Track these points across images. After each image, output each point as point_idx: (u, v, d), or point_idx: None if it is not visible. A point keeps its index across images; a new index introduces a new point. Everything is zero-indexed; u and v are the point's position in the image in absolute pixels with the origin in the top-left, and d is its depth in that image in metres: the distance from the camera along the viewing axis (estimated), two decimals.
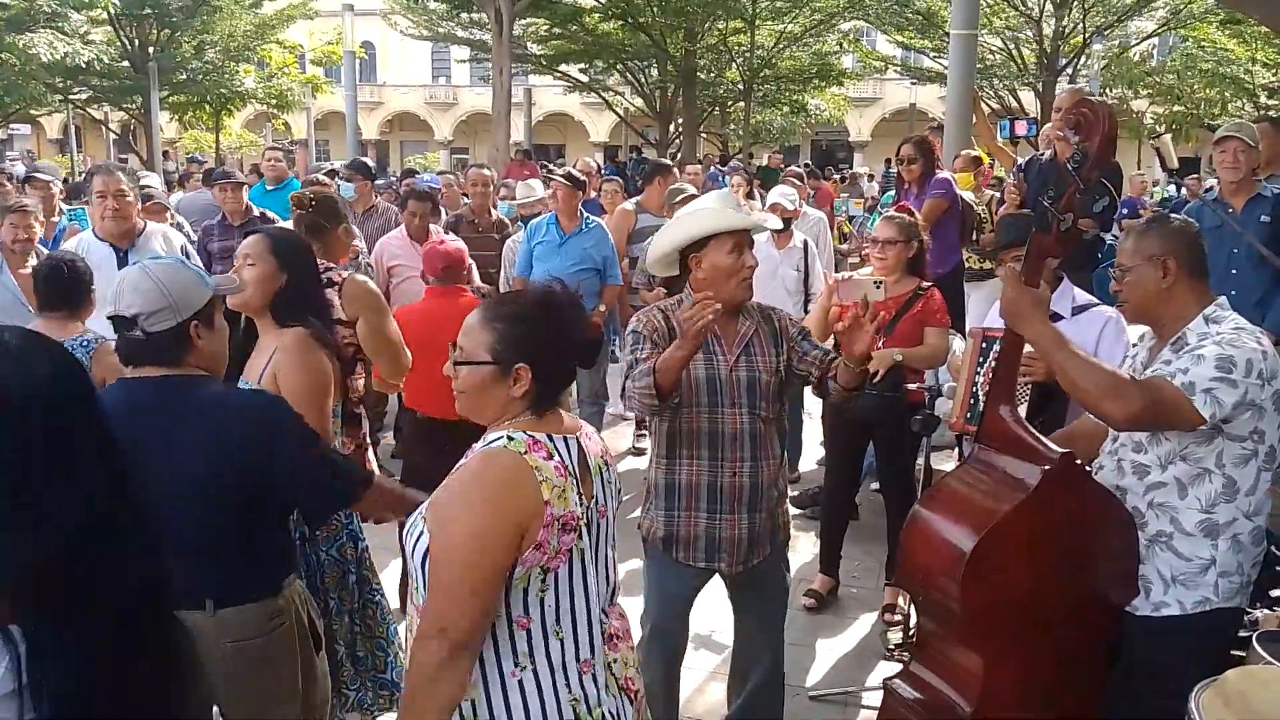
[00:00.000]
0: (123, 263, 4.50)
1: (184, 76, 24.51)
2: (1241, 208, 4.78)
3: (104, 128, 30.31)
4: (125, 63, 23.95)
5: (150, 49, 23.93)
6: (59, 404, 1.33)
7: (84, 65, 22.12)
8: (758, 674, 3.34)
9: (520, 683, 1.92)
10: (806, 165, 17.51)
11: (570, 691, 1.96)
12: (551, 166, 8.09)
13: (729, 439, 3.01)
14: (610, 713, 2.02)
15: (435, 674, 1.85)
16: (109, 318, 2.33)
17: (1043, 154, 5.64)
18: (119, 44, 24.03)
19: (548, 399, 2.03)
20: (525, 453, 1.92)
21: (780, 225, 5.75)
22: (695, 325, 2.67)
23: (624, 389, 2.97)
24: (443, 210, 7.72)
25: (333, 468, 2.41)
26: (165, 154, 23.55)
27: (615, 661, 2.09)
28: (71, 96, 25.16)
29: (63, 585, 1.28)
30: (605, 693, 2.03)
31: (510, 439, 1.94)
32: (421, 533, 1.93)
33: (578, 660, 1.99)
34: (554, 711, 1.93)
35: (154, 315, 2.26)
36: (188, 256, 4.88)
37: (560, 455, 1.97)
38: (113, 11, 23.12)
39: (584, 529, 1.99)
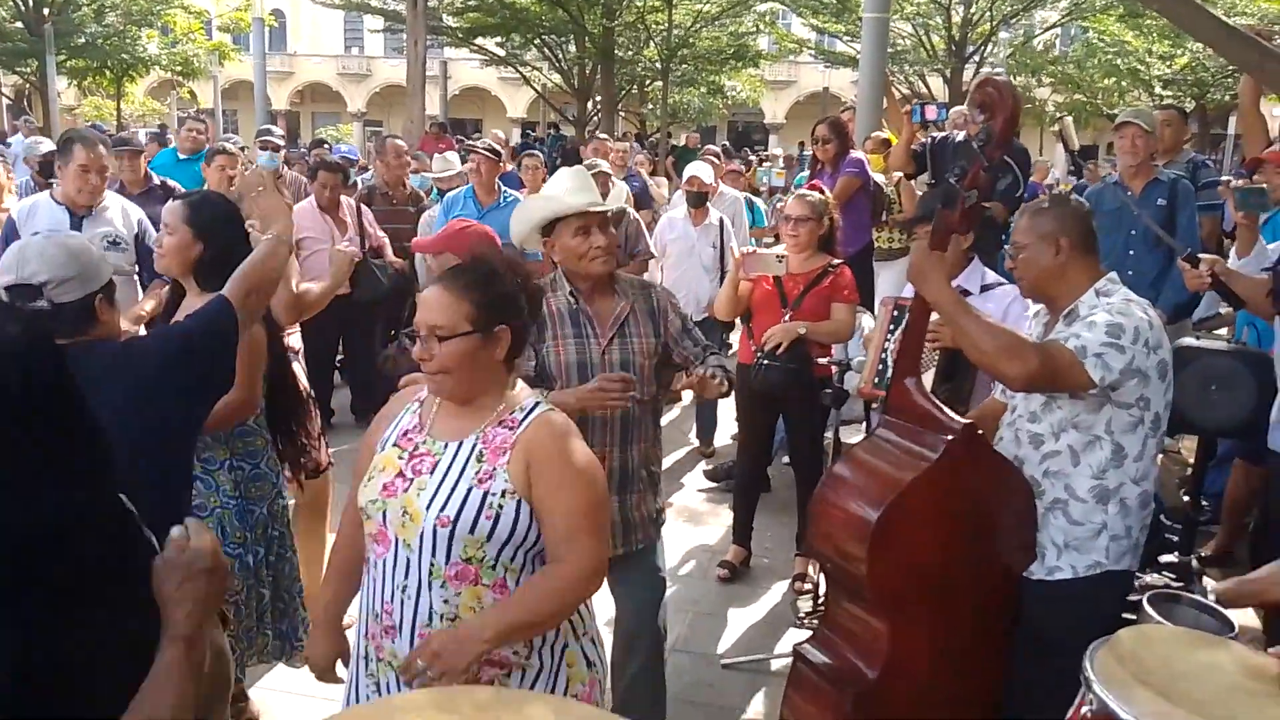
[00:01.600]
0: (76, 228, 4.40)
1: (83, 40, 23.46)
2: (1140, 191, 4.96)
3: None
4: (19, 24, 22.86)
5: (46, 10, 22.87)
6: (39, 371, 1.32)
7: None
8: (635, 663, 3.20)
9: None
10: (724, 145, 17.57)
11: None
12: (471, 141, 8.03)
13: (599, 423, 2.91)
14: None
15: (582, 600, 2.16)
16: (6, 287, 2.24)
17: (955, 134, 5.77)
18: (11, 4, 22.92)
19: (517, 358, 2.21)
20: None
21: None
22: (590, 405, 2.72)
23: None
24: (357, 181, 7.61)
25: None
26: (95, 124, 22.52)
27: None
28: None
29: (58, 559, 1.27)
30: None
31: (544, 405, 2.18)
32: (518, 505, 2.05)
33: None
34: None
35: (63, 284, 2.23)
36: (145, 233, 4.72)
37: None
38: None
39: None
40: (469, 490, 2.05)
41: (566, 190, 3.01)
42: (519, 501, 2.05)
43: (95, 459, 1.37)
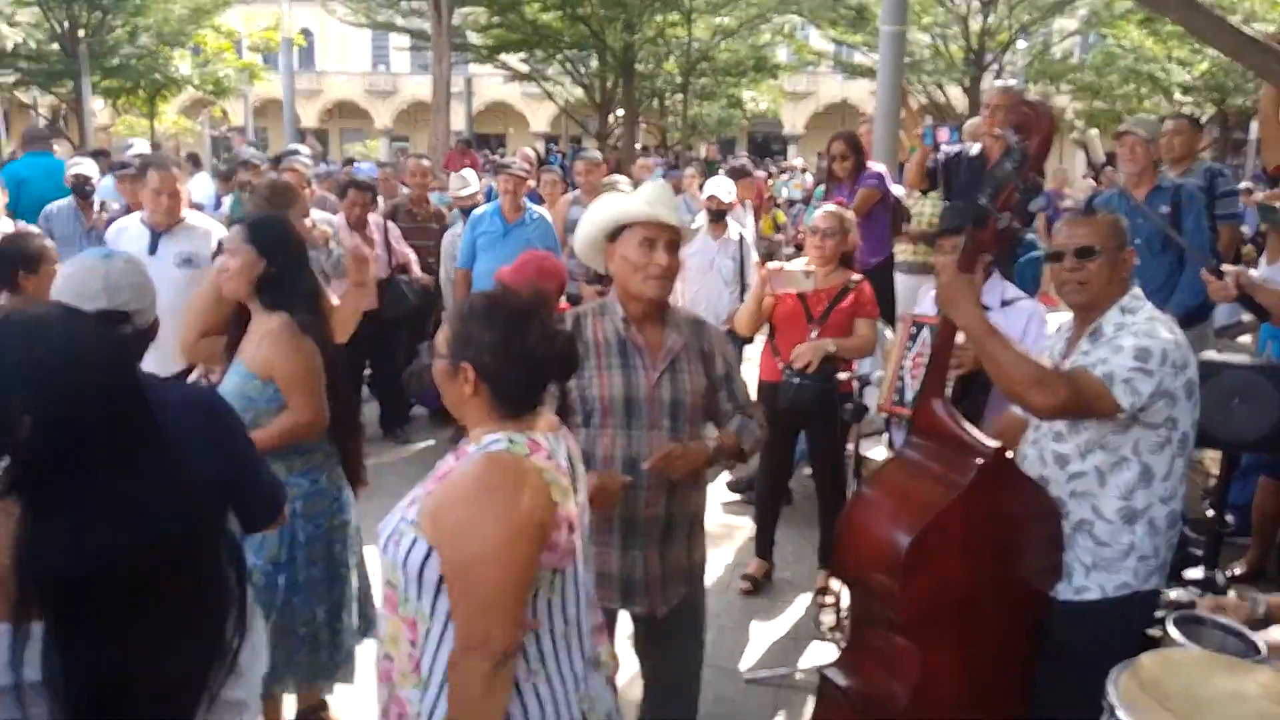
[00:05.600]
0: (154, 243, 4.66)
1: (116, 61, 23.74)
2: (1144, 199, 4.95)
3: (33, 112, 29.37)
4: (55, 46, 23.21)
5: (81, 32, 23.21)
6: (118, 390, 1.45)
7: (10, 48, 21.39)
8: None
9: (535, 688, 1.90)
10: (747, 157, 17.54)
11: (579, 690, 1.97)
12: (511, 158, 8.16)
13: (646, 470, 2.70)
14: (608, 707, 2.05)
15: (486, 687, 1.80)
16: (97, 313, 2.21)
17: (969, 147, 5.76)
18: (48, 26, 23.27)
19: (511, 405, 1.96)
20: (529, 455, 1.89)
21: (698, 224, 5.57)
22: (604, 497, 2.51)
23: None
24: (380, 199, 7.69)
25: (273, 478, 2.37)
26: (153, 145, 22.81)
27: (603, 654, 2.12)
28: None
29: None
30: (604, 688, 2.06)
31: (511, 441, 1.90)
32: (415, 540, 1.86)
33: (583, 658, 1.99)
34: (567, 713, 1.93)
35: (143, 311, 2.30)
36: (220, 247, 4.89)
37: (558, 456, 1.97)
38: None
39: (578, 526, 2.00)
40: (401, 513, 1.94)
41: (645, 199, 2.77)
42: (416, 538, 1.86)
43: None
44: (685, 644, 2.97)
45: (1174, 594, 3.39)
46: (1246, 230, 6.97)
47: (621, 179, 6.84)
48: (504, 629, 1.80)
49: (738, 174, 8.93)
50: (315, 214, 6.01)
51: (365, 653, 3.18)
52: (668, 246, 2.72)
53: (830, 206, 4.72)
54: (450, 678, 1.84)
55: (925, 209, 6.50)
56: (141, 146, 8.90)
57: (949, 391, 3.36)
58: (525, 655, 1.90)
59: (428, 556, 1.84)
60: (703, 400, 2.82)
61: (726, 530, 5.53)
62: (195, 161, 11.42)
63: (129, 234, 4.76)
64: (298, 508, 3.08)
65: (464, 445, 1.98)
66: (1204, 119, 21.41)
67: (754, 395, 4.93)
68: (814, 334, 4.41)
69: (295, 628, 3.13)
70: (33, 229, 4.47)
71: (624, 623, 2.95)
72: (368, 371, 7.12)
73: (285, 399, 3.01)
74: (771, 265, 4.51)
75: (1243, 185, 8.25)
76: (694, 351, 2.83)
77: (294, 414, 3.00)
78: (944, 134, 5.65)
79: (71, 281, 2.28)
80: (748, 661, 4.16)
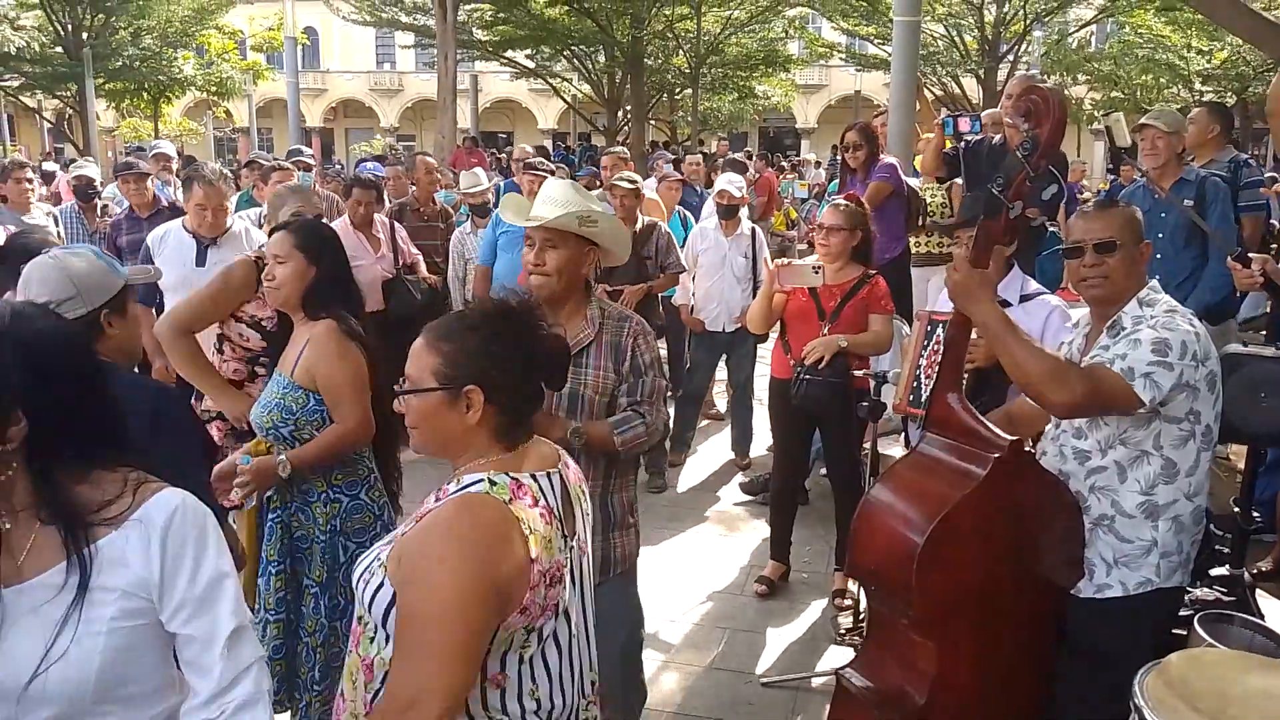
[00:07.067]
0: (202, 255, 4.62)
1: (120, 63, 23.86)
2: (1168, 191, 4.88)
3: (38, 116, 29.53)
4: (58, 49, 23.29)
5: (84, 34, 23.28)
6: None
7: (14, 52, 21.48)
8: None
9: None
10: (755, 151, 17.47)
11: None
12: (538, 158, 8.15)
13: None
14: None
15: None
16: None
17: (992, 137, 5.68)
18: (51, 30, 23.35)
19: (517, 427, 1.83)
20: (510, 501, 1.72)
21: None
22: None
23: None
24: (386, 199, 7.64)
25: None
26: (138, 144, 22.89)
27: (586, 713, 1.95)
28: (2, 84, 24.43)
29: None
30: None
31: (492, 483, 1.73)
32: (382, 583, 1.72)
33: (550, 717, 1.82)
34: None
35: (63, 304, 2.30)
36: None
37: (546, 497, 1.79)
38: None
39: (568, 575, 1.81)
40: (378, 550, 1.80)
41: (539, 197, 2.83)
42: (384, 580, 1.72)
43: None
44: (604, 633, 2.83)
45: (1199, 592, 3.32)
46: (1276, 223, 6.85)
47: (628, 173, 6.75)
48: (439, 696, 1.62)
49: (734, 169, 8.87)
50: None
51: None
52: (546, 244, 2.73)
53: (839, 201, 4.64)
54: None
55: (939, 198, 6.42)
56: (166, 147, 8.84)
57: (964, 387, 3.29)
58: (484, 704, 1.74)
59: (392, 602, 1.70)
60: (605, 397, 2.79)
61: (741, 531, 5.47)
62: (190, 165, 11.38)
63: (172, 241, 4.70)
64: (337, 525, 2.96)
65: (445, 484, 1.81)
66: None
67: (766, 392, 4.93)
68: (825, 330, 4.34)
69: (312, 658, 2.95)
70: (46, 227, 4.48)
71: None
72: None
73: (329, 409, 2.92)
74: (781, 261, 4.44)
75: (1267, 175, 8.14)
76: (608, 346, 2.81)
77: (340, 423, 2.91)
78: (965, 123, 5.58)
79: None
80: (764, 665, 4.10)
